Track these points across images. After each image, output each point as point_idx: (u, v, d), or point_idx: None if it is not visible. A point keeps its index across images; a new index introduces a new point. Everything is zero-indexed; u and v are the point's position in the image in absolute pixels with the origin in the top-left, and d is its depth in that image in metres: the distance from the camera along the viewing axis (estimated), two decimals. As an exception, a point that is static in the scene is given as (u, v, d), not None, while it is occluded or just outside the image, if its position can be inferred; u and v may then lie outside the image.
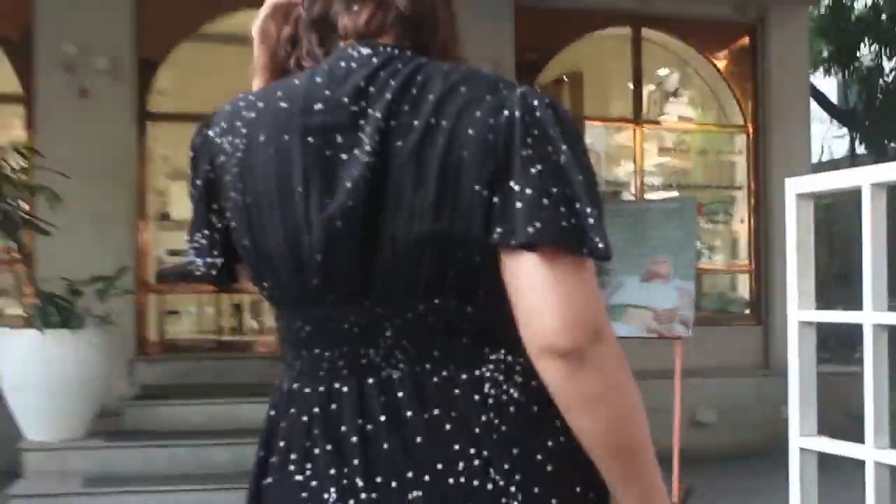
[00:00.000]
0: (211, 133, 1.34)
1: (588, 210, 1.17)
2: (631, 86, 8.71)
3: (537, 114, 1.20)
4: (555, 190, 1.16)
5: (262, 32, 1.41)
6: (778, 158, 8.63)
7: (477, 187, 1.18)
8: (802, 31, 9.09)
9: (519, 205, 1.16)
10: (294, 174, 1.23)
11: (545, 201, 1.16)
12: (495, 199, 1.18)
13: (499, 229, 1.18)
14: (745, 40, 8.94)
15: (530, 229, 1.15)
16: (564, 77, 9.78)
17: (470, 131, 1.19)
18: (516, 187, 1.17)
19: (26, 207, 6.79)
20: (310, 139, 1.24)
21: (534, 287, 1.16)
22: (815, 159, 11.29)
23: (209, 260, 1.36)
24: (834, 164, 15.02)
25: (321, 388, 1.26)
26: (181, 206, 11.15)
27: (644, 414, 1.23)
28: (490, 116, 1.20)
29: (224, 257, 1.36)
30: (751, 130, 8.90)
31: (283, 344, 1.34)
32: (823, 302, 2.60)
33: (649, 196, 8.53)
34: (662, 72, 9.37)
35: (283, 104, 1.27)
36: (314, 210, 1.22)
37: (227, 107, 1.35)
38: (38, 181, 6.82)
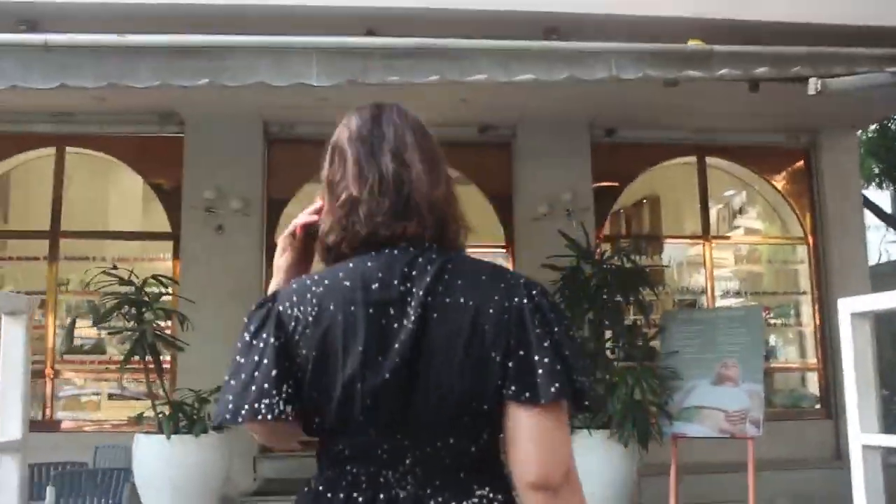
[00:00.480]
0: (280, 307, 1.40)
1: (579, 378, 1.31)
2: (699, 206, 8.21)
3: (536, 300, 1.34)
4: (552, 361, 1.30)
5: (290, 242, 1.58)
6: (837, 265, 8.09)
7: (493, 354, 1.31)
8: (853, 151, 8.54)
9: (540, 371, 1.29)
10: (358, 336, 1.33)
11: (559, 367, 1.30)
12: (510, 364, 1.31)
13: (513, 387, 1.30)
14: (801, 162, 8.45)
15: (552, 389, 1.28)
16: (644, 200, 9.37)
17: (490, 310, 1.33)
18: (536, 357, 1.30)
19: (166, 326, 6.72)
20: (371, 310, 1.34)
21: (524, 437, 1.29)
22: (872, 261, 10.36)
23: (289, 406, 1.35)
24: (893, 266, 14.05)
25: (341, 495, 1.34)
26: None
27: None
28: (505, 300, 1.34)
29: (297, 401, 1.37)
30: (811, 241, 8.34)
31: (319, 459, 1.41)
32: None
33: (721, 304, 7.84)
34: (727, 193, 8.80)
35: (346, 283, 1.38)
36: (370, 366, 1.31)
37: (294, 285, 1.44)
38: (181, 305, 6.82)
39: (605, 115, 7.62)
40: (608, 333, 6.33)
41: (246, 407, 1.34)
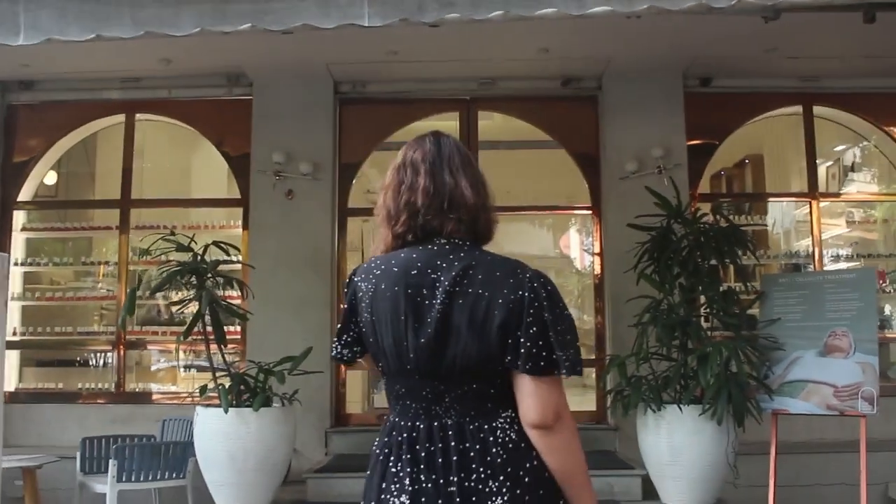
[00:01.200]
0: (356, 279, 2.03)
1: (559, 353, 1.85)
2: (804, 163, 7.61)
3: (536, 292, 1.87)
4: (540, 343, 1.85)
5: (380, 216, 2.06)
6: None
7: (499, 332, 1.86)
8: None
9: (522, 350, 1.85)
10: (400, 309, 1.92)
11: (534, 350, 1.85)
12: (509, 340, 1.86)
13: (509, 357, 1.87)
14: (924, 109, 7.66)
15: (527, 366, 1.85)
16: (744, 159, 8.79)
17: (500, 300, 1.87)
18: (522, 339, 1.85)
19: (232, 296, 6.64)
20: (409, 291, 1.92)
21: (525, 393, 1.87)
22: None
23: (348, 350, 2.05)
24: None
25: (408, 424, 1.94)
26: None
27: (583, 460, 1.91)
28: (511, 293, 1.87)
29: (358, 347, 2.04)
30: (932, 197, 7.53)
31: (388, 396, 2.02)
32: None
33: (829, 268, 7.22)
34: (836, 146, 8.08)
35: (395, 268, 1.96)
36: (410, 330, 1.91)
37: (364, 265, 2.03)
38: (250, 273, 6.79)
39: (700, 63, 7.13)
40: (701, 300, 5.88)
41: (333, 346, 2.07)
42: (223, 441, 5.35)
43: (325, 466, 6.24)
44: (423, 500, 1.85)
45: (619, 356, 5.87)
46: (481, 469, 1.85)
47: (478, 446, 1.87)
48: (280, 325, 6.92)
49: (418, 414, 1.92)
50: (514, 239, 13.43)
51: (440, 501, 1.84)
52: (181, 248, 5.72)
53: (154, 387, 7.55)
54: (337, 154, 7.44)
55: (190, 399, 5.83)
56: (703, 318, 5.89)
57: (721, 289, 5.77)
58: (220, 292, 6.21)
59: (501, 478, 1.84)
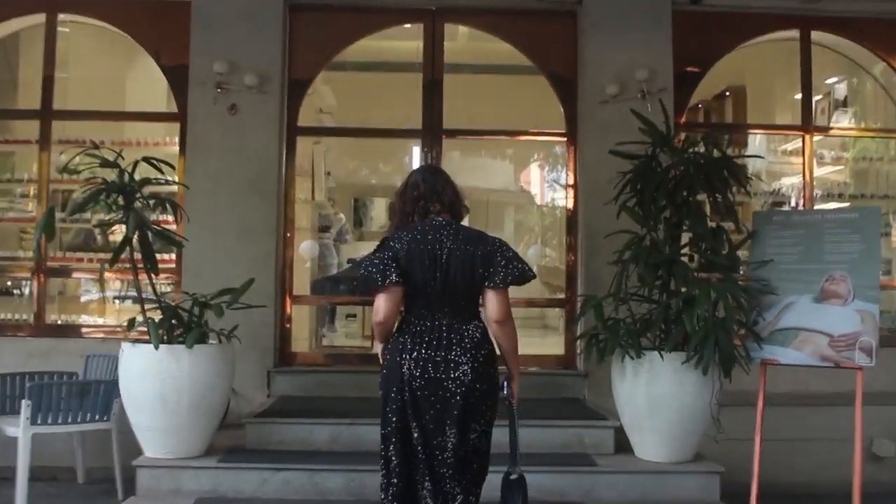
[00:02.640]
0: (393, 244, 3.76)
1: (518, 268, 3.77)
2: (796, 92, 7.40)
3: (500, 248, 3.80)
4: (501, 273, 3.73)
5: (395, 210, 4.03)
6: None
7: (480, 270, 3.74)
8: None
9: (496, 277, 3.73)
10: (424, 259, 3.72)
11: (503, 274, 3.73)
12: (486, 273, 3.74)
13: (487, 283, 3.74)
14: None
15: (504, 283, 3.74)
16: (726, 93, 8.51)
17: (479, 252, 3.75)
18: (493, 270, 3.74)
19: (167, 221, 6.25)
20: (428, 247, 3.74)
21: (491, 301, 3.74)
22: None
23: (393, 278, 3.69)
24: None
25: (421, 322, 3.76)
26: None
27: (517, 342, 3.85)
28: (486, 247, 3.78)
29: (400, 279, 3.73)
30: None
31: (409, 308, 3.80)
32: None
33: (820, 207, 6.98)
34: (833, 76, 7.78)
35: (417, 235, 3.77)
36: (430, 270, 3.72)
37: (395, 236, 3.80)
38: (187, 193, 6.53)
39: (691, -23, 6.76)
40: (687, 238, 5.61)
41: (386, 277, 3.69)
42: (152, 381, 5.02)
43: (266, 410, 5.92)
44: (421, 362, 3.72)
45: (594, 296, 5.60)
46: (457, 349, 3.74)
47: (456, 336, 3.76)
48: (219, 253, 6.64)
49: (427, 316, 3.78)
50: (477, 171, 13.19)
51: (430, 364, 3.72)
52: (106, 163, 5.30)
53: (80, 319, 7.15)
54: (286, 67, 7.06)
55: (121, 333, 5.43)
56: (688, 258, 5.64)
57: (709, 226, 5.46)
58: (152, 216, 5.80)
59: (468, 355, 3.73)
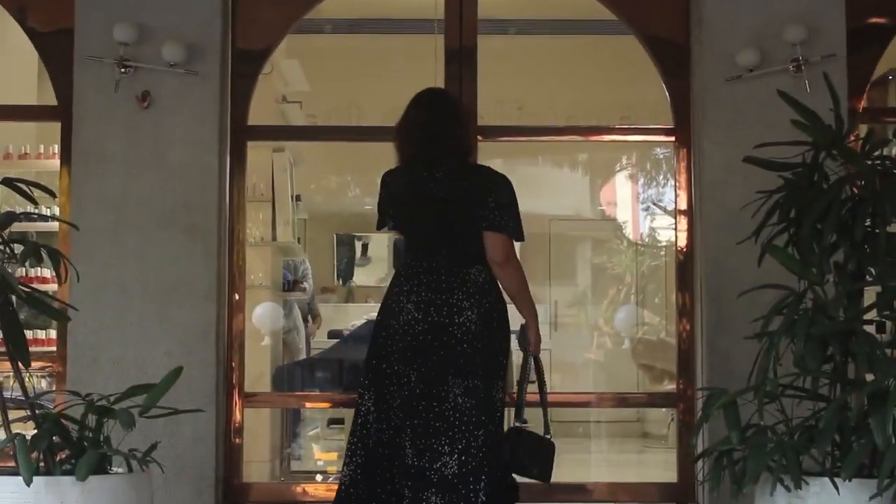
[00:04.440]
0: (388, 179, 5.85)
1: (510, 222, 5.63)
2: None
3: (498, 184, 5.70)
4: (500, 213, 5.61)
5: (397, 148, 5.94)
6: None
7: (475, 208, 5.62)
8: None
9: (492, 217, 5.60)
10: (418, 197, 5.71)
11: (496, 218, 5.60)
12: (481, 213, 5.61)
13: (483, 223, 5.61)
14: None
15: (499, 225, 5.63)
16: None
17: (478, 188, 5.67)
18: (490, 212, 5.60)
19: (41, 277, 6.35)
20: (420, 184, 5.70)
21: (492, 243, 5.61)
22: None
23: (390, 223, 5.85)
24: None
25: (420, 264, 5.62)
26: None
27: (523, 285, 5.74)
28: (483, 184, 5.69)
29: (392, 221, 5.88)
30: None
31: (404, 252, 5.86)
32: None
33: None
34: None
35: (412, 171, 5.77)
36: (424, 210, 5.67)
37: (391, 171, 5.87)
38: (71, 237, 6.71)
39: None
40: (872, 295, 5.61)
41: (383, 223, 5.90)
42: (26, 536, 5.08)
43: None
44: (422, 305, 5.37)
45: (724, 391, 5.57)
46: (459, 293, 5.39)
47: (458, 280, 5.42)
48: (127, 327, 6.80)
49: (424, 258, 5.52)
50: (532, 188, 13.22)
51: (433, 307, 5.36)
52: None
53: None
54: (228, 31, 7.28)
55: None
56: (876, 326, 5.66)
57: (910, 274, 5.46)
58: (18, 271, 5.84)
59: (471, 300, 5.38)
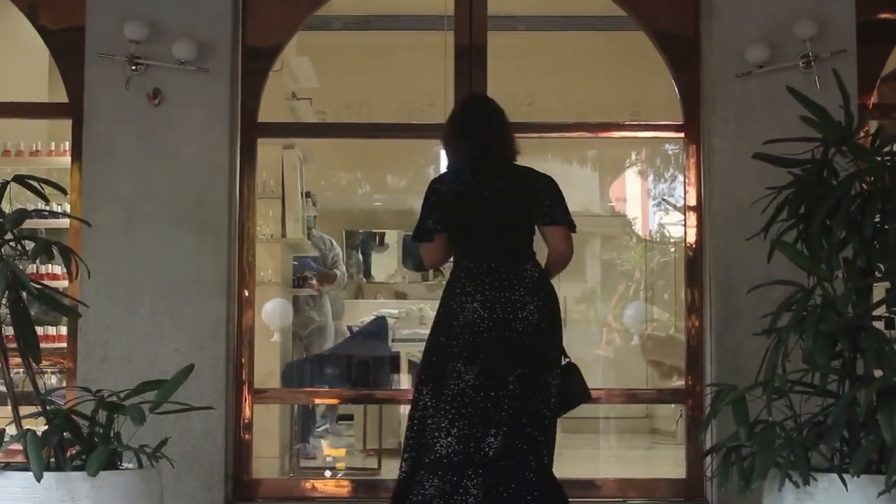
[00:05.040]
0: (438, 185, 6.02)
1: (567, 216, 5.99)
2: None
3: (547, 182, 6.05)
4: (558, 210, 6.00)
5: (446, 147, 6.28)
6: None
7: (532, 207, 5.96)
8: None
9: (551, 213, 5.97)
10: (471, 198, 5.95)
11: (555, 214, 5.98)
12: (539, 211, 5.97)
13: (544, 220, 5.96)
14: None
15: (559, 220, 6.00)
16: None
17: (530, 189, 5.99)
18: (548, 210, 5.97)
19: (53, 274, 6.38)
20: (472, 187, 5.96)
21: (558, 237, 5.99)
22: None
23: (437, 227, 5.92)
24: None
25: (477, 264, 5.82)
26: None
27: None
28: (535, 184, 6.02)
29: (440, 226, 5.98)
30: None
31: (460, 252, 5.98)
32: None
33: None
34: None
35: (461, 174, 6.04)
36: (478, 211, 5.90)
37: (441, 178, 6.13)
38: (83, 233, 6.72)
39: None
40: (882, 291, 5.60)
41: (429, 230, 5.94)
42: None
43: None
44: (487, 303, 5.60)
45: (733, 386, 5.57)
46: (520, 289, 5.67)
47: (517, 277, 5.70)
48: (138, 324, 6.82)
49: (485, 259, 5.72)
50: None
51: (497, 305, 5.61)
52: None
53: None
54: (239, 29, 7.30)
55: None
56: (885, 321, 5.67)
57: (919, 270, 5.46)
58: (29, 268, 5.87)
59: (531, 295, 5.67)
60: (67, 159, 7.08)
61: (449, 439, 5.49)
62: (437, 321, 5.86)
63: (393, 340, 9.90)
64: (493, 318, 5.57)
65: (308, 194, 10.51)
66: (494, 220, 5.80)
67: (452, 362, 5.60)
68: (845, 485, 5.10)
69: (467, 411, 5.52)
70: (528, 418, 5.61)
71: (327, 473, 9.16)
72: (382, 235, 14.11)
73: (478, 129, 5.90)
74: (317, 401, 9.46)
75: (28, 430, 5.22)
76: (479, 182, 5.82)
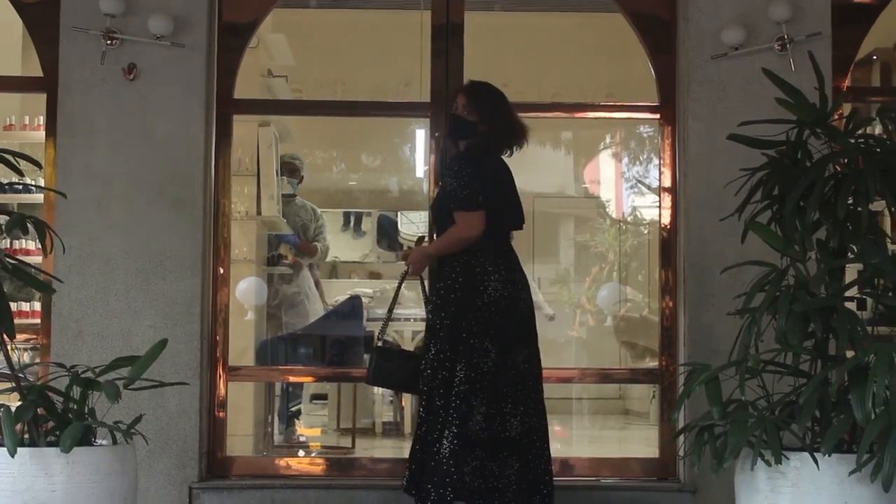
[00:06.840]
0: (490, 163, 6.45)
1: (462, 203, 6.26)
2: None
3: (454, 168, 6.55)
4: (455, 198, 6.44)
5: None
6: None
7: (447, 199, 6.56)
8: None
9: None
10: (508, 184, 6.60)
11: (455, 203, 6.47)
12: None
13: (453, 204, 6.35)
14: None
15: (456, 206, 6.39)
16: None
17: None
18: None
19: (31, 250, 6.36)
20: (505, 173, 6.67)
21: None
22: None
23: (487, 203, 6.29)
24: None
25: (499, 244, 6.31)
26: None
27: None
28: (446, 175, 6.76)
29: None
30: None
31: (486, 234, 6.19)
32: None
33: None
34: None
35: (496, 160, 6.64)
36: (509, 196, 6.53)
37: (485, 158, 6.47)
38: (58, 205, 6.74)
39: None
40: (854, 272, 5.73)
41: (486, 199, 6.27)
42: (12, 500, 5.06)
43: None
44: (507, 283, 6.06)
45: (706, 366, 5.60)
46: (522, 270, 6.28)
47: (517, 259, 6.29)
48: (112, 299, 6.79)
49: (504, 240, 6.31)
50: (517, 166, 13.20)
51: (510, 283, 6.07)
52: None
53: None
54: (215, 5, 7.26)
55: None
56: (857, 303, 5.68)
57: (892, 251, 5.49)
58: (3, 242, 5.86)
59: (523, 274, 6.32)
60: (42, 134, 7.06)
61: (478, 417, 5.83)
62: (461, 298, 6.03)
63: (367, 320, 9.95)
64: (510, 297, 5.99)
65: (283, 173, 10.49)
66: (516, 208, 6.40)
67: (482, 340, 5.92)
68: (817, 464, 5.14)
69: (496, 390, 5.88)
70: (541, 399, 6.14)
71: (300, 452, 9.19)
72: (360, 219, 14.13)
73: (514, 116, 6.53)
74: (291, 379, 9.44)
75: (2, 405, 5.23)
76: (508, 169, 6.44)
